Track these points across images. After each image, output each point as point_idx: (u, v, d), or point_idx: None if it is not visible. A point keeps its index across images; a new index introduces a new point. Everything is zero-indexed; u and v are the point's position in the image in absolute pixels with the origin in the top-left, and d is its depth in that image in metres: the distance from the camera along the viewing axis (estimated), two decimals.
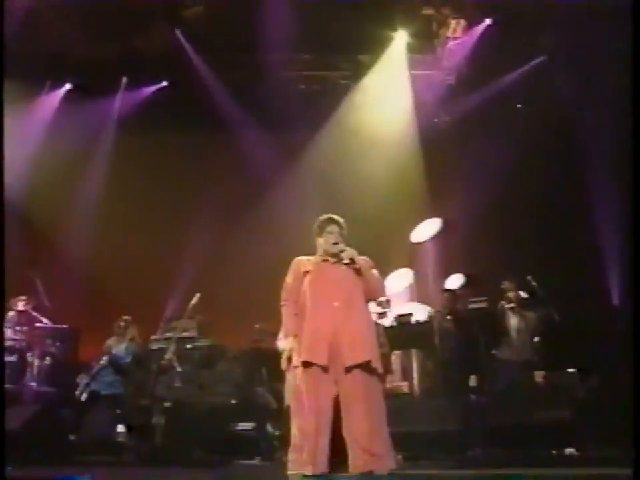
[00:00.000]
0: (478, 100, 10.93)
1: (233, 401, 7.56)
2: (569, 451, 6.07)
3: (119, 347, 7.89)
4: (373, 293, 4.70)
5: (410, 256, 11.49)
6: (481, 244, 10.30)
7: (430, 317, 8.17)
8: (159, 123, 10.71)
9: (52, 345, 9.37)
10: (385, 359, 7.01)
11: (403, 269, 11.29)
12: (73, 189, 10.85)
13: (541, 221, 10.25)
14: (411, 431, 6.37)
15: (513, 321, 7.44)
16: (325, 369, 4.35)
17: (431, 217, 11.44)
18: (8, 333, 8.93)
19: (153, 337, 8.80)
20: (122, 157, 10.90)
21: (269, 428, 6.66)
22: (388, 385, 8.87)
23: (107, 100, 11.15)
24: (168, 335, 8.39)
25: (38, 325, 9.24)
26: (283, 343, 4.56)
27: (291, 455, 4.38)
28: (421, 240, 11.56)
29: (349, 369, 4.34)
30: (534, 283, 7.75)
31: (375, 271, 4.71)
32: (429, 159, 11.16)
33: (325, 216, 4.77)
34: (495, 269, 9.17)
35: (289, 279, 4.68)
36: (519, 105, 11.41)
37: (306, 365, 4.37)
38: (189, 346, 8.37)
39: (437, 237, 11.45)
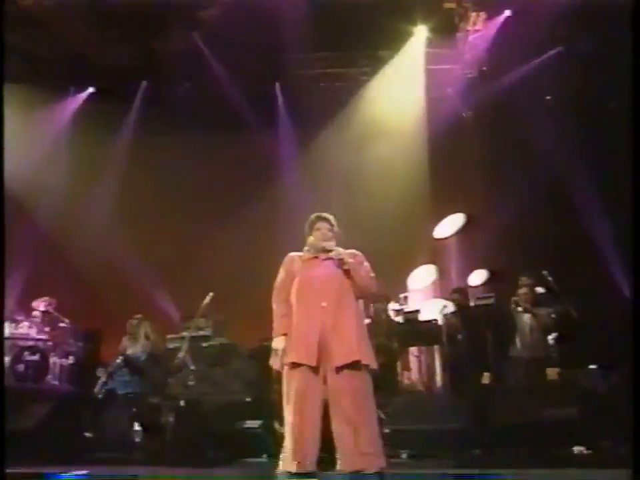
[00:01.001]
0: (499, 92, 10.74)
1: (247, 399, 7.61)
2: (579, 449, 5.94)
3: (134, 347, 7.99)
4: (363, 291, 4.61)
5: (433, 252, 11.39)
6: (501, 240, 10.12)
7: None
8: (179, 124, 10.77)
9: (74, 345, 9.60)
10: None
11: (427, 264, 11.22)
12: (91, 191, 11.02)
13: (562, 216, 10.03)
14: (418, 429, 6.37)
15: (525, 318, 7.27)
16: (314, 369, 4.31)
17: (453, 212, 11.33)
18: (32, 332, 9.17)
19: (169, 336, 8.92)
20: (139, 158, 11.01)
21: (277, 425, 6.65)
22: (406, 381, 8.88)
23: (129, 102, 11.32)
24: (183, 333, 8.47)
25: (60, 325, 9.45)
26: (274, 343, 4.53)
27: (282, 454, 4.36)
28: (444, 236, 11.47)
29: (338, 369, 4.30)
30: (550, 278, 7.58)
31: (366, 264, 4.64)
32: (450, 154, 10.99)
33: (314, 215, 4.78)
34: (515, 265, 9.02)
35: (280, 276, 4.68)
36: (547, 97, 11.16)
37: (294, 365, 4.34)
38: (203, 344, 8.45)
39: (461, 232, 11.34)
